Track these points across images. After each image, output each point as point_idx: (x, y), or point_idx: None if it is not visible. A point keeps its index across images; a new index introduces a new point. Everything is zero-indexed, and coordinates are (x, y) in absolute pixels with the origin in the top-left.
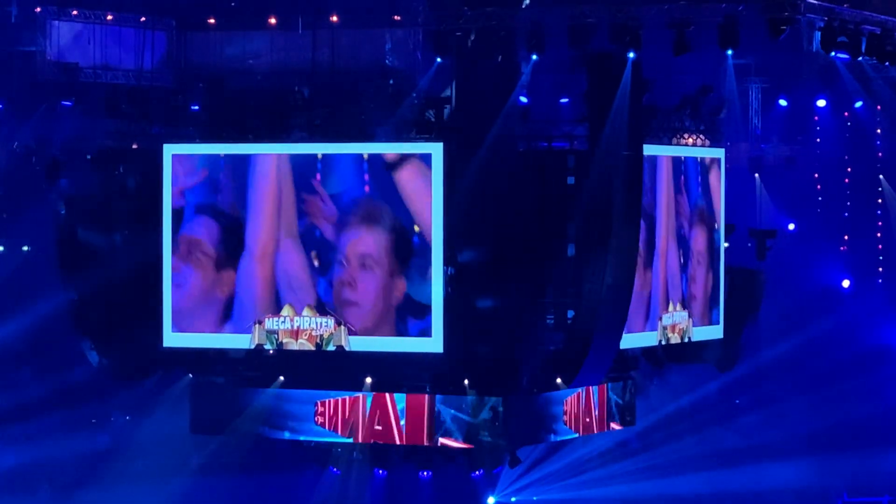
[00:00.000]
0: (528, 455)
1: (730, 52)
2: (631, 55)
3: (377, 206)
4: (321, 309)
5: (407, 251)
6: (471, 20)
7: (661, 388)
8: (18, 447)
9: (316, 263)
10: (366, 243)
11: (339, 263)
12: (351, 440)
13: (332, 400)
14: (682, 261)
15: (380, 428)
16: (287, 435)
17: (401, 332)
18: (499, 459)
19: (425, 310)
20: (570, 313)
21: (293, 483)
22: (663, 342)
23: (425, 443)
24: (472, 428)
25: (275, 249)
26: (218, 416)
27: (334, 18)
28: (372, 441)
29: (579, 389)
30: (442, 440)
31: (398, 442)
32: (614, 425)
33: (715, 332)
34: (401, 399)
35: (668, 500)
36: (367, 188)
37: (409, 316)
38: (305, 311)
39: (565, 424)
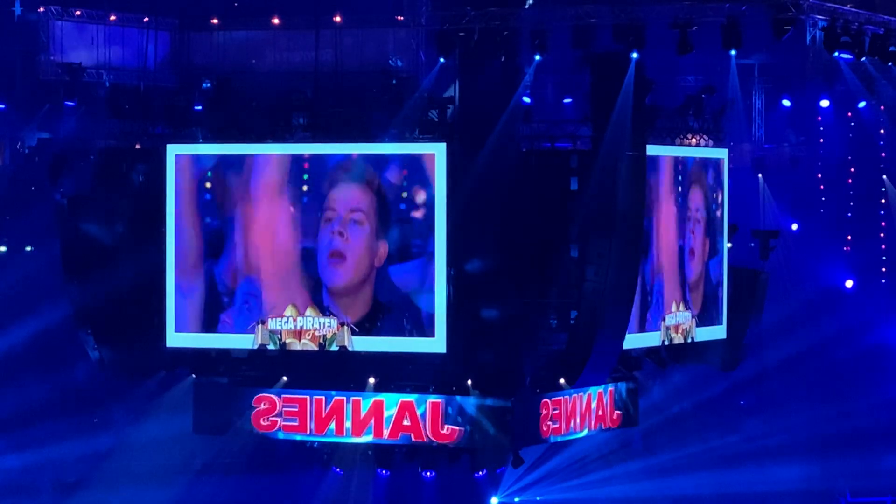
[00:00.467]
0: (531, 455)
1: (733, 52)
2: (634, 55)
3: (366, 167)
4: (306, 265)
5: (388, 216)
6: (474, 20)
7: (664, 388)
8: (22, 447)
9: (301, 217)
10: (355, 198)
11: (326, 219)
12: (348, 441)
13: (330, 399)
14: (681, 259)
15: (408, 424)
16: (281, 434)
17: (377, 295)
18: (502, 459)
19: (398, 284)
20: (574, 314)
21: (296, 483)
22: (666, 342)
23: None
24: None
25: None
26: (221, 416)
27: (337, 18)
28: (399, 436)
29: (589, 389)
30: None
31: (425, 440)
32: (617, 412)
33: (718, 332)
34: (421, 401)
35: (671, 501)
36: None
37: (387, 284)
38: (308, 312)
39: (568, 425)
